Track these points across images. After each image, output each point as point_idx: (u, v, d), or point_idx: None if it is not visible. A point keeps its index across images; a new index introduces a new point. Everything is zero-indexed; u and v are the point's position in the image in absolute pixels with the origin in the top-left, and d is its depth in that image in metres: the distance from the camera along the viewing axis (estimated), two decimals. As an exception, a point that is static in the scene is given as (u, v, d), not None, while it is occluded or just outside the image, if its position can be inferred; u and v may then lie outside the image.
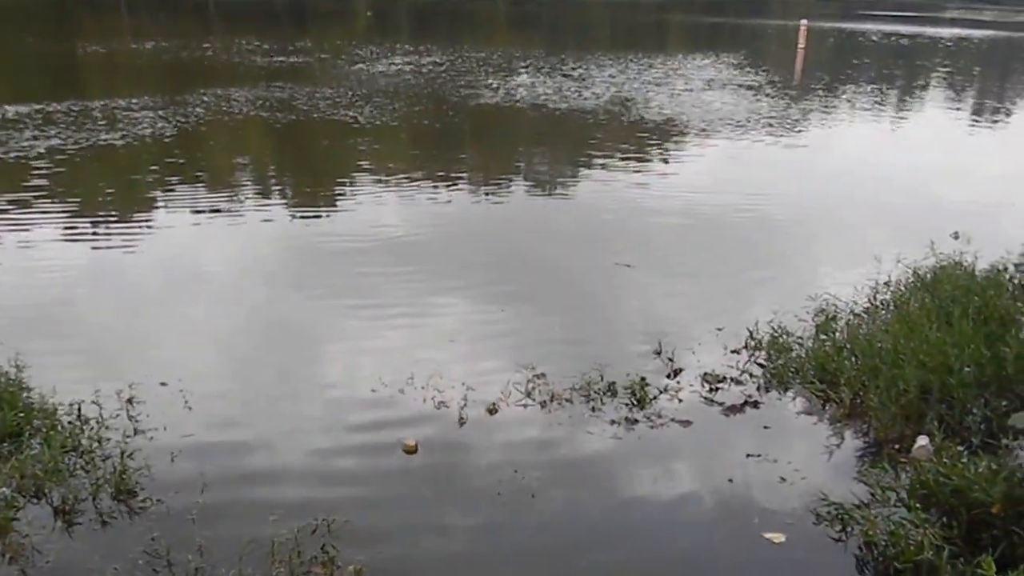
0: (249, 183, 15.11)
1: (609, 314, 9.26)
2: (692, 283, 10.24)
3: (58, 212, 12.59)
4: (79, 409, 6.41)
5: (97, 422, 6.31)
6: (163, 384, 7.11)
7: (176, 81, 25.93)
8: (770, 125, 21.14)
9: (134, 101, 20.85)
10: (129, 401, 6.71)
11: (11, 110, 19.02)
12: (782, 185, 15.48)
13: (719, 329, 8.54)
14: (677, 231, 12.53)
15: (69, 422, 6.29)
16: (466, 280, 10.08)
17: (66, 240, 11.47)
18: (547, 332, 8.58)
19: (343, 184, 15.05)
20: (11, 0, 60.67)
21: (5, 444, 5.96)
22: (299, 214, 13.27)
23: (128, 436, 6.26)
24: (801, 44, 41.94)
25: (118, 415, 6.52)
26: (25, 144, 16.06)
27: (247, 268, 10.50)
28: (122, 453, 5.87)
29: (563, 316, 9.03)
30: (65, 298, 9.31)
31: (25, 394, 6.57)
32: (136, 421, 6.51)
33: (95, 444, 6.08)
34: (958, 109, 26.82)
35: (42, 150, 15.72)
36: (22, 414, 6.18)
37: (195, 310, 9.05)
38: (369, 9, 66.79)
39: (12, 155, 15.33)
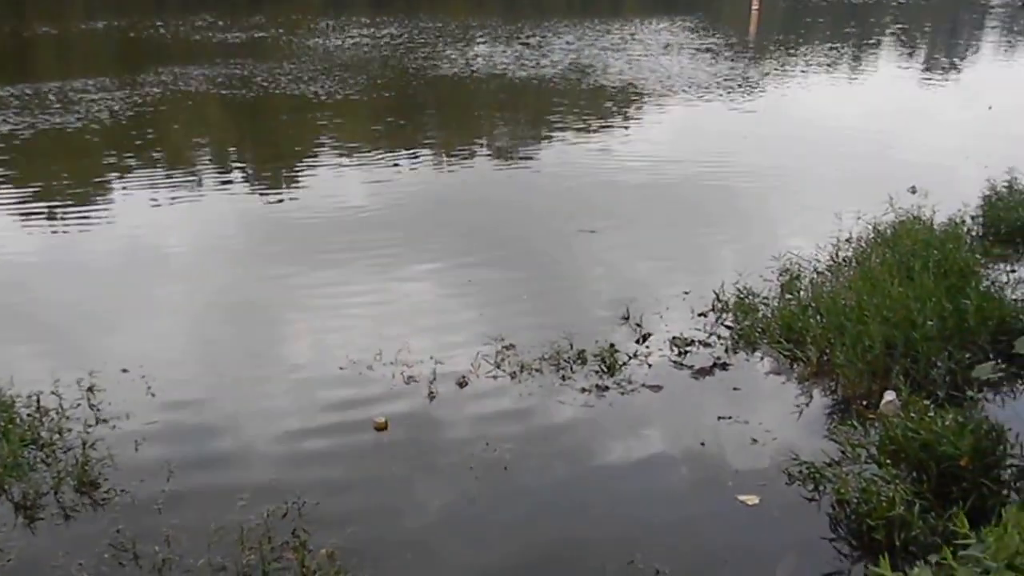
0: (208, 161, 14.76)
1: (576, 282, 9.15)
2: (657, 248, 10.15)
3: (11, 199, 12.20)
4: (38, 400, 6.18)
5: (57, 413, 6.08)
6: (124, 371, 6.88)
7: (130, 60, 25.27)
8: (728, 87, 21.03)
9: (88, 82, 20.25)
10: (90, 389, 6.48)
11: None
12: (741, 146, 15.39)
13: (686, 293, 8.46)
14: (639, 196, 12.40)
15: (28, 414, 6.05)
16: (431, 253, 9.90)
17: (21, 226, 11.12)
18: (515, 302, 8.45)
19: (303, 159, 14.76)
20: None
21: (-39, 440, 5.72)
22: (260, 191, 13.00)
23: (90, 426, 6.05)
24: (755, 6, 41.88)
25: (79, 405, 6.30)
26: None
27: (207, 248, 10.25)
28: (84, 444, 5.66)
29: (530, 286, 8.89)
30: (22, 285, 9.03)
31: (-19, 388, 6.32)
32: (98, 410, 6.29)
33: (56, 436, 5.86)
34: (910, 66, 26.89)
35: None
36: (-22, 409, 5.94)
37: (156, 292, 8.81)
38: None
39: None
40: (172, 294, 8.80)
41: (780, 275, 8.59)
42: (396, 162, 14.30)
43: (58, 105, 17.76)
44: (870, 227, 9.42)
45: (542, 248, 10.17)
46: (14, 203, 12.03)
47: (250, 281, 9.11)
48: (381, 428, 6.14)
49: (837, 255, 9.05)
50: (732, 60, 25.47)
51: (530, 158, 15.01)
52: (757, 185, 12.96)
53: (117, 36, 30.50)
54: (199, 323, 8.12)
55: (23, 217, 11.48)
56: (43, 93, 18.93)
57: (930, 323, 6.75)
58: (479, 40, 29.21)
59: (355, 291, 8.77)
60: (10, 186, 12.75)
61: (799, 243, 9.55)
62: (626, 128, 16.99)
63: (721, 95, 20.00)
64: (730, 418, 6.29)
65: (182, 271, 9.50)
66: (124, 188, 12.83)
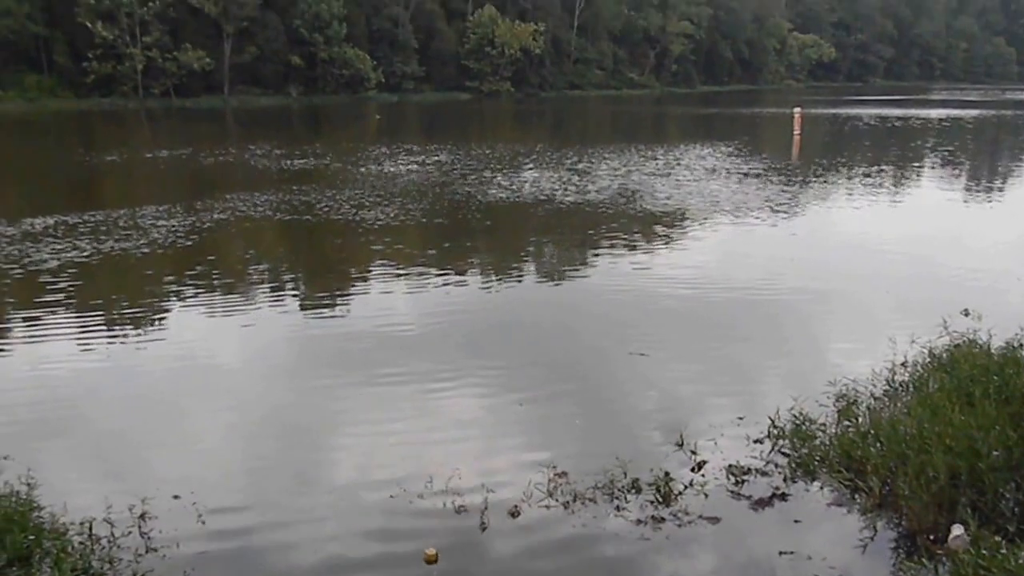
0: (263, 283, 15.06)
1: (628, 406, 9.00)
2: (707, 369, 10.00)
3: (71, 319, 12.51)
4: (90, 528, 6.15)
5: (109, 541, 6.05)
6: (176, 497, 6.85)
7: (193, 187, 26.25)
8: (772, 210, 21.16)
9: (154, 209, 21.03)
10: (141, 517, 6.45)
11: (34, 223, 19.16)
12: (788, 268, 15.35)
13: (740, 418, 8.28)
14: (689, 317, 12.35)
15: (80, 542, 6.01)
16: (481, 376, 9.87)
17: (78, 345, 11.36)
18: (567, 427, 8.32)
19: (356, 281, 15.00)
20: (37, 115, 62.22)
21: (14, 568, 5.68)
22: (312, 312, 13.18)
23: (140, 555, 5.99)
24: (797, 131, 42.51)
25: (130, 532, 6.26)
26: (45, 256, 16.10)
27: (258, 368, 10.34)
28: (134, 574, 5.58)
29: (582, 410, 8.77)
30: (78, 406, 9.14)
31: (36, 513, 6.30)
32: (148, 538, 6.24)
33: (107, 566, 5.81)
34: (953, 187, 26.88)
35: (60, 261, 15.75)
36: (32, 536, 5.90)
37: (207, 412, 8.87)
38: (378, 112, 68.32)
39: (31, 267, 15.35)
40: (223, 414, 8.84)
41: (836, 400, 8.39)
42: (446, 284, 14.46)
43: (122, 231, 18.40)
44: (926, 351, 9.21)
45: (593, 371, 10.08)
46: (73, 323, 12.32)
47: (299, 402, 9.13)
48: (431, 561, 5.98)
49: (893, 379, 8.84)
50: (776, 184, 25.71)
51: (578, 280, 15.10)
52: (806, 307, 12.84)
53: (182, 164, 31.81)
54: (249, 444, 8.12)
55: (81, 336, 11.73)
56: (112, 219, 19.66)
57: (995, 453, 6.49)
58: (527, 166, 29.93)
59: (404, 413, 8.72)
60: (71, 307, 13.10)
61: (853, 366, 9.36)
62: (673, 250, 17.06)
63: (766, 218, 20.10)
64: (792, 553, 6.03)
65: (233, 390, 9.58)
66: (181, 308, 13.10)
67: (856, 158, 34.09)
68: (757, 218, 20.07)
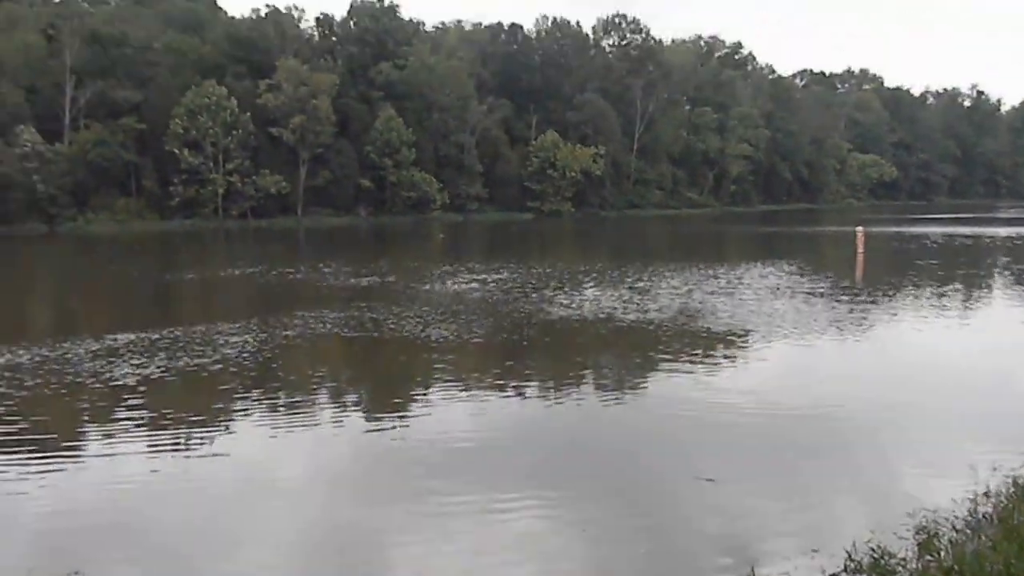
0: (328, 398, 15.15)
1: (694, 533, 8.66)
2: (777, 495, 9.60)
3: (142, 430, 12.69)
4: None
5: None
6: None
7: (265, 304, 26.90)
8: (838, 327, 20.76)
9: (225, 326, 21.52)
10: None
11: (116, 339, 19.71)
12: (855, 388, 14.89)
13: (814, 551, 7.87)
14: (754, 437, 11.98)
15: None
16: (543, 496, 9.63)
17: (150, 461, 11.47)
18: (631, 555, 8.01)
19: (417, 396, 15.02)
20: (125, 236, 65.14)
21: None
22: (373, 425, 13.19)
23: None
24: (860, 249, 42.08)
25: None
26: (124, 371, 16.50)
27: (321, 484, 10.32)
28: None
29: (648, 537, 8.45)
30: (147, 521, 9.20)
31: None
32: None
33: None
34: (1027, 306, 26.09)
35: (137, 377, 16.11)
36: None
37: (270, 531, 8.82)
38: (442, 231, 69.92)
39: (111, 383, 15.73)
40: (284, 533, 8.78)
41: (916, 533, 7.94)
42: (507, 402, 14.36)
43: (199, 347, 18.81)
44: (1009, 480, 8.74)
45: (658, 496, 9.77)
46: (146, 437, 12.49)
47: (359, 520, 9.04)
48: None
49: (976, 511, 8.37)
50: (841, 302, 25.30)
51: (640, 399, 14.86)
52: (878, 428, 12.36)
53: (255, 282, 32.74)
54: (308, 565, 8.00)
55: (151, 451, 11.88)
56: (188, 336, 20.14)
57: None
58: (587, 284, 30.04)
59: (463, 535, 8.53)
60: (145, 422, 13.30)
61: (931, 494, 8.91)
62: (737, 369, 16.74)
63: (833, 336, 19.71)
64: None
65: (295, 509, 9.52)
66: (248, 424, 13.25)
67: (923, 277, 33.46)
68: (823, 337, 19.67)
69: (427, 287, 29.61)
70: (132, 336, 19.84)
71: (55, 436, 12.73)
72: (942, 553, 7.40)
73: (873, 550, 7.50)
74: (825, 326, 20.98)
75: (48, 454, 11.77)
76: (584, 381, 16.43)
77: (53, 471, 11.01)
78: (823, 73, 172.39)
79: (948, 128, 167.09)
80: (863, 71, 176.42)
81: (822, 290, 28.13)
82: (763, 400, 14.03)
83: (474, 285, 29.99)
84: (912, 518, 8.22)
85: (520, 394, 15.02)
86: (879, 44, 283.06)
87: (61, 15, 79.22)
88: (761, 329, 20.57)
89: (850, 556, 7.52)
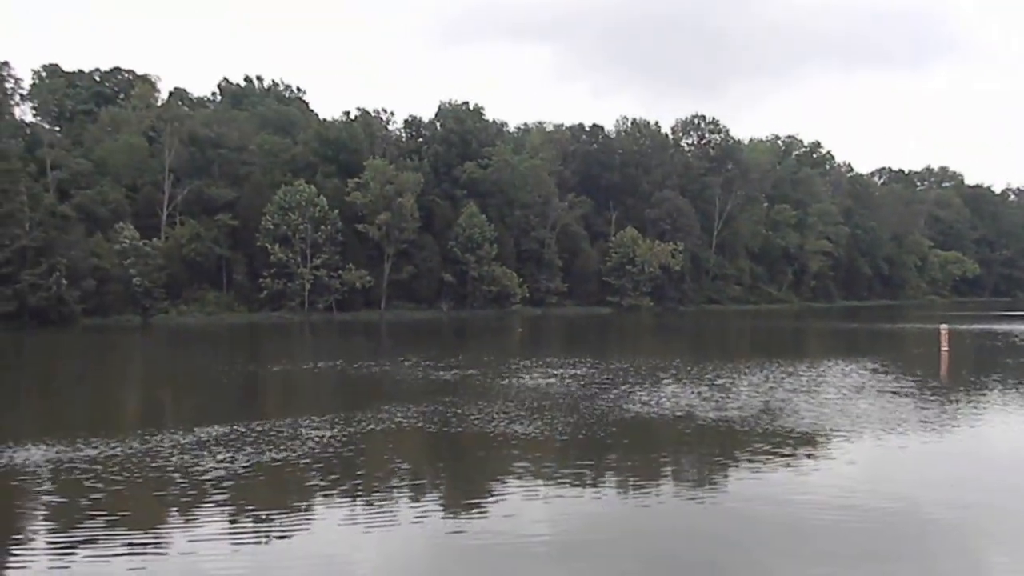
0: (408, 492, 15.17)
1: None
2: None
3: (222, 520, 12.89)
4: None
5: None
6: None
7: (348, 397, 27.31)
8: (924, 427, 19.96)
9: (309, 420, 21.85)
10: None
11: (205, 431, 20.19)
12: (947, 489, 14.22)
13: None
14: (843, 543, 11.52)
15: None
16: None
17: (229, 544, 11.69)
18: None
19: (496, 494, 14.91)
20: (214, 328, 67.35)
21: None
22: (452, 522, 13.13)
23: None
24: (944, 347, 40.66)
25: None
26: (210, 465, 16.84)
27: (391, 573, 10.30)
28: None
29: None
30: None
31: None
32: None
33: None
34: None
35: (224, 471, 16.44)
36: None
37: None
38: (521, 325, 70.22)
39: (196, 476, 16.09)
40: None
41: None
42: (583, 500, 14.16)
43: (285, 440, 19.11)
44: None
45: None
46: (227, 524, 12.71)
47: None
48: None
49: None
50: (926, 401, 24.35)
51: (721, 504, 14.37)
52: (973, 534, 11.75)
53: (339, 375, 33.31)
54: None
55: (233, 536, 12.10)
56: (274, 429, 20.49)
57: None
58: (665, 380, 29.64)
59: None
60: (225, 511, 13.53)
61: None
62: (822, 472, 16.13)
63: (919, 437, 18.97)
64: None
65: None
66: (329, 518, 13.37)
67: (1010, 374, 32.02)
68: (909, 437, 18.92)
69: (505, 382, 29.63)
70: (219, 429, 20.27)
71: (141, 529, 12.99)
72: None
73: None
74: (911, 427, 20.18)
75: (133, 548, 11.99)
76: (663, 482, 16.05)
77: (135, 567, 11.20)
78: (902, 171, 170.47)
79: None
80: (943, 169, 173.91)
81: (907, 388, 27.15)
82: (850, 505, 13.45)
83: (552, 380, 29.89)
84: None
85: (598, 495, 14.79)
86: (958, 142, 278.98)
87: (162, 118, 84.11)
88: (845, 429, 19.89)
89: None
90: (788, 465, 16.52)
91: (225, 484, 15.20)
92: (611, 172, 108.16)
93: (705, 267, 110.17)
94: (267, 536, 12.29)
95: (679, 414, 22.32)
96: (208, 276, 79.27)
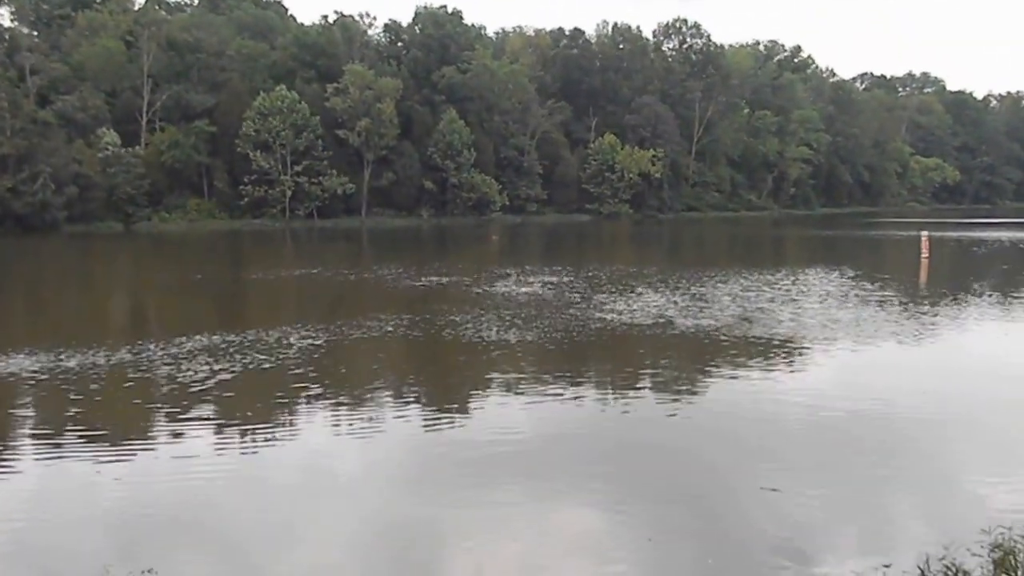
0: (386, 398, 15.18)
1: (761, 546, 8.37)
2: (846, 509, 9.25)
3: (210, 427, 12.87)
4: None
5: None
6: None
7: (327, 305, 27.16)
8: (901, 336, 20.10)
9: (289, 328, 21.72)
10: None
11: (184, 341, 20.02)
12: (922, 396, 14.37)
13: (886, 566, 7.56)
14: (818, 446, 11.65)
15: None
16: (605, 505, 9.44)
17: (216, 450, 11.75)
18: (698, 567, 7.78)
19: (476, 398, 15.00)
20: (196, 234, 66.66)
21: None
22: (432, 426, 13.19)
23: None
24: (925, 254, 40.86)
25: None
26: (192, 372, 16.77)
27: (377, 480, 10.44)
28: None
29: (712, 546, 8.21)
30: (212, 503, 9.53)
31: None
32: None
33: None
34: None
35: (205, 376, 16.36)
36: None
37: (327, 525, 8.92)
38: (495, 234, 69.66)
39: (181, 380, 16.00)
40: (341, 527, 8.93)
41: (991, 550, 7.55)
42: (564, 405, 14.20)
43: (270, 347, 19.00)
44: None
45: (722, 506, 9.49)
46: (212, 430, 12.69)
47: (415, 517, 9.05)
48: None
49: (1055, 528, 7.93)
50: (904, 310, 24.54)
51: (698, 404, 14.54)
52: (946, 439, 11.94)
53: (320, 282, 33.10)
54: (366, 554, 8.04)
55: (218, 442, 12.12)
56: (258, 336, 20.38)
57: None
58: (642, 289, 29.62)
59: (521, 536, 8.42)
60: (211, 417, 13.48)
61: (1004, 509, 8.48)
62: (797, 377, 16.29)
63: (896, 345, 19.10)
64: None
65: (353, 498, 9.73)
66: (310, 418, 13.43)
67: (989, 282, 32.31)
68: (886, 345, 19.06)
69: (483, 290, 29.51)
70: (203, 338, 20.08)
71: (128, 433, 12.96)
72: (1019, 571, 7.02)
73: (948, 568, 7.15)
74: (888, 334, 20.33)
75: (121, 450, 11.99)
76: (641, 387, 16.14)
77: (125, 466, 11.22)
78: (884, 76, 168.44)
79: (1012, 131, 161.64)
80: (924, 74, 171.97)
81: (886, 297, 27.32)
82: (826, 410, 13.60)
83: (529, 289, 29.82)
84: (987, 535, 7.82)
85: (577, 398, 14.83)
86: (940, 48, 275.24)
87: (140, 22, 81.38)
88: (822, 337, 20.01)
89: (923, 572, 7.19)
90: (767, 372, 16.62)
91: (211, 394, 15.11)
92: (591, 78, 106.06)
93: (685, 174, 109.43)
94: (252, 444, 12.25)
95: (656, 322, 22.35)
96: (189, 183, 78.00)
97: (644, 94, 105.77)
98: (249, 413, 13.97)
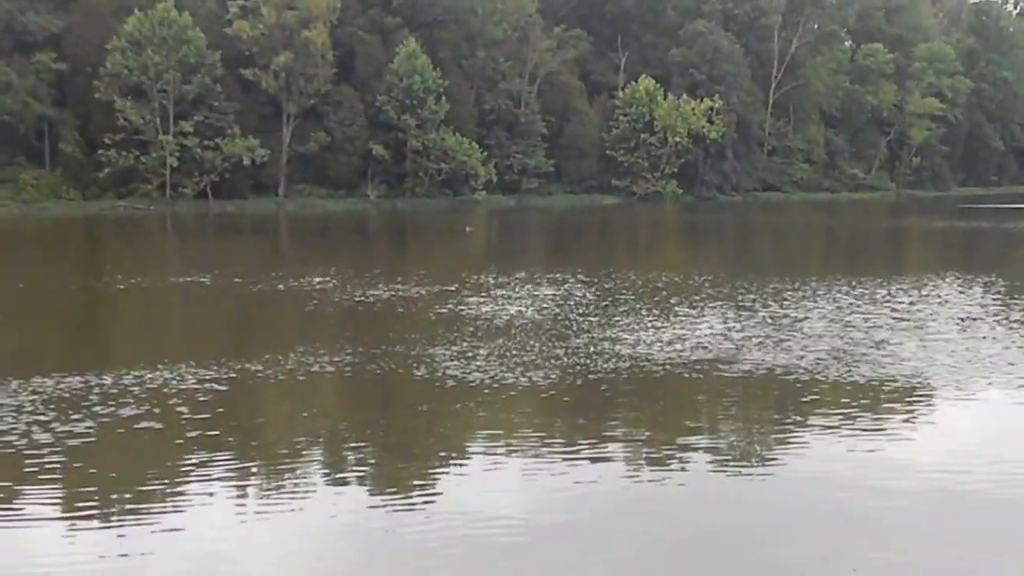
0: (318, 458, 15.35)
1: None
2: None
3: (63, 514, 13.01)
4: None
5: None
6: None
7: (230, 329, 27.27)
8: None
9: (176, 364, 21.73)
10: None
11: (31, 385, 20.05)
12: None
13: None
14: (946, 538, 12.01)
15: None
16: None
17: (68, 543, 11.91)
18: None
19: (445, 463, 15.31)
20: (33, 223, 66.59)
21: None
22: (381, 498, 13.45)
23: None
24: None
25: None
26: (33, 430, 16.87)
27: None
28: None
29: None
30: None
31: None
32: None
33: None
34: None
35: (53, 437, 16.46)
36: None
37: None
38: (470, 224, 68.88)
39: (15, 444, 16.09)
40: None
41: None
42: (576, 476, 14.38)
43: (146, 393, 19.04)
44: None
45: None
46: (64, 516, 12.86)
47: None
48: None
49: None
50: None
51: (776, 478, 14.72)
52: None
53: (220, 295, 33.20)
54: None
55: (69, 528, 12.29)
56: (129, 376, 20.47)
57: None
58: (695, 307, 29.75)
59: None
60: (64, 491, 13.63)
61: None
62: (923, 436, 16.61)
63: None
64: None
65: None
66: (206, 497, 13.59)
67: None
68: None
69: (456, 307, 29.62)
70: (51, 380, 20.12)
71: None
72: None
73: None
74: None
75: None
76: (689, 453, 16.25)
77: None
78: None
79: None
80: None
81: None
82: (967, 486, 13.87)
83: (526, 306, 29.94)
84: None
85: (593, 455, 15.13)
86: None
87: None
88: (955, 380, 20.25)
89: None
90: (871, 433, 16.83)
91: (62, 459, 15.22)
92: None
93: (758, 137, 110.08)
94: (124, 527, 12.39)
95: (716, 357, 22.51)
96: (23, 146, 77.98)
97: (698, 17, 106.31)
98: (117, 489, 14.09)
